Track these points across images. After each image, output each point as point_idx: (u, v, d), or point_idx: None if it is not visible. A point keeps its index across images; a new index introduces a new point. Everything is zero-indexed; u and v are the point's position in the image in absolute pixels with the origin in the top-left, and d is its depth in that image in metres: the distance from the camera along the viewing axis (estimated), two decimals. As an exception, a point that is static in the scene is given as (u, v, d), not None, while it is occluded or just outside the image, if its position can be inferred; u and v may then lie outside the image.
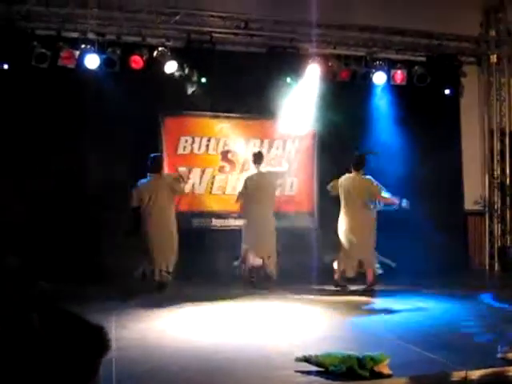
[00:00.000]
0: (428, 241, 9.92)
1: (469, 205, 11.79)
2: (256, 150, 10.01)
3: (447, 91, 11.21)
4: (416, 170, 10.72)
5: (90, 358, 1.24)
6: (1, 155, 9.25)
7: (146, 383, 4.61)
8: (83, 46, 9.46)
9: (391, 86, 10.98)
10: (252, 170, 9.61)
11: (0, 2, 9.08)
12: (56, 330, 1.20)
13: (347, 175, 9.30)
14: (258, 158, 9.46)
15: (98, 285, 9.02)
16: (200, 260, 9.59)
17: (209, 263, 9.40)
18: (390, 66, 10.90)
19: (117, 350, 5.23)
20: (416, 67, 10.99)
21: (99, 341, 1.26)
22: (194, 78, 9.98)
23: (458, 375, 4.69)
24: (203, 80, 10.01)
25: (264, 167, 9.58)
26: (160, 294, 8.57)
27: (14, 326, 1.18)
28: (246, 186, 9.34)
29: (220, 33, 10.18)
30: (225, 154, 10.60)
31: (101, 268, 9.71)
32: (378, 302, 8.17)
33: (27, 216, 9.21)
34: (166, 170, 10.06)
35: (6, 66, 9.17)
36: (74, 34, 9.56)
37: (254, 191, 9.21)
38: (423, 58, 11.24)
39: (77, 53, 9.46)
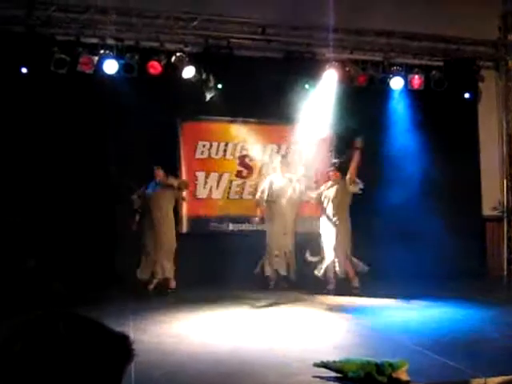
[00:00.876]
0: (445, 247, 9.85)
1: (487, 210, 11.71)
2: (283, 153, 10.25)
3: (467, 95, 11.15)
4: (433, 175, 10.66)
5: (115, 366, 1.24)
6: (20, 159, 9.34)
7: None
8: (102, 51, 9.54)
9: (408, 90, 10.93)
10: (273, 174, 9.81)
11: (20, 8, 9.18)
12: (80, 337, 1.20)
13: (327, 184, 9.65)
14: (284, 161, 9.66)
15: (115, 287, 9.08)
16: (217, 264, 9.61)
17: (226, 267, 9.40)
18: (407, 70, 10.86)
19: (135, 353, 5.26)
20: (433, 72, 10.94)
21: (123, 349, 1.26)
22: (212, 84, 10.01)
23: (477, 382, 4.65)
24: (220, 85, 10.04)
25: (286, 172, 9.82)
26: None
27: (38, 330, 1.19)
28: (267, 190, 9.53)
29: (237, 38, 10.22)
30: (242, 159, 10.64)
31: (117, 270, 9.80)
32: (397, 308, 8.12)
33: (46, 218, 9.30)
34: (183, 174, 10.12)
35: (24, 70, 9.25)
36: (93, 40, 9.64)
37: (278, 195, 9.44)
38: (441, 63, 11.18)
39: (95, 58, 9.53)
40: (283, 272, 9.58)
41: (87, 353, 1.19)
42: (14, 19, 9.18)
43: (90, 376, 1.18)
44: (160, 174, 9.29)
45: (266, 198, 9.62)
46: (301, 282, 9.54)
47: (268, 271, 9.54)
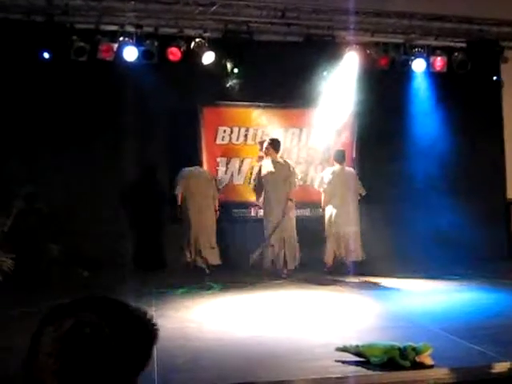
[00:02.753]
0: (470, 230, 9.75)
1: (511, 194, 11.55)
2: (271, 137, 9.82)
3: (494, 78, 10.98)
4: (456, 158, 10.57)
5: (143, 345, 1.27)
6: (42, 147, 9.41)
7: (187, 373, 4.63)
8: (121, 38, 9.55)
9: (431, 73, 10.80)
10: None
11: (40, -3, 9.21)
12: (110, 319, 1.23)
13: (332, 169, 9.65)
14: (277, 145, 9.46)
15: (137, 274, 9.15)
16: (240, 250, 9.64)
17: (248, 253, 9.42)
18: (429, 52, 10.72)
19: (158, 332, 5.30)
20: (456, 53, 10.78)
21: (150, 329, 1.29)
22: (232, 69, 9.98)
23: (502, 366, 4.60)
24: (240, 70, 10.00)
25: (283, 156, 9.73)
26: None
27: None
28: (261, 176, 9.40)
29: (257, 22, 10.14)
30: (263, 144, 10.57)
31: (142, 257, 9.88)
32: (421, 292, 8.06)
33: (67, 205, 9.38)
34: (204, 160, 10.12)
35: (47, 55, 9.28)
36: (113, 27, 9.65)
37: (272, 180, 9.28)
38: (463, 44, 11.01)
39: (115, 46, 9.55)
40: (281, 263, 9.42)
41: (122, 335, 1.23)
42: (33, 9, 9.20)
43: (125, 358, 1.23)
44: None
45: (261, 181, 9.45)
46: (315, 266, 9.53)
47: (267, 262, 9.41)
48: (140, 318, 1.29)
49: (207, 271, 9.24)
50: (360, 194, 9.62)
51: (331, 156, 10.03)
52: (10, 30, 9.10)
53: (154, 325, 1.31)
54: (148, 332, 1.28)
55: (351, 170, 9.90)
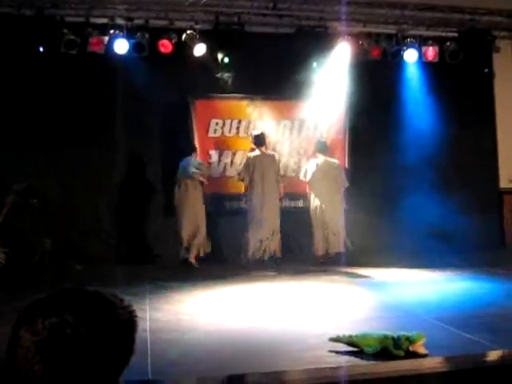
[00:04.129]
0: (462, 220, 9.77)
1: (504, 183, 11.57)
2: (258, 131, 9.89)
3: (486, 70, 11.00)
4: (449, 147, 10.57)
5: (123, 336, 1.25)
6: (34, 142, 9.37)
7: (182, 366, 4.63)
8: (112, 31, 9.50)
9: (423, 63, 10.78)
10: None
11: (29, -10, 9.14)
12: (85, 316, 1.21)
13: (316, 160, 9.67)
14: (261, 139, 9.49)
15: (130, 267, 9.15)
16: (231, 242, 9.64)
17: (240, 245, 9.42)
18: (421, 42, 10.69)
19: (151, 331, 5.30)
20: (448, 43, 10.77)
21: (131, 318, 1.27)
22: (223, 60, 9.95)
23: (495, 355, 4.62)
24: (231, 62, 9.96)
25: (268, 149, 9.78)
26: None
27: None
28: (249, 167, 9.43)
29: (248, 14, 10.09)
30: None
31: (135, 250, 9.87)
32: (414, 282, 8.08)
33: (60, 198, 9.37)
34: (197, 152, 10.10)
35: (41, 49, 9.26)
36: (103, 20, 9.59)
37: (259, 173, 9.34)
38: (455, 34, 10.99)
39: (106, 38, 9.49)
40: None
41: (100, 331, 1.21)
42: (23, 2, 9.14)
43: (107, 353, 1.21)
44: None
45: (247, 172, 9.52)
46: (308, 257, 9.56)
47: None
48: (117, 309, 1.26)
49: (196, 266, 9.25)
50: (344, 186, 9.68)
51: (314, 147, 10.02)
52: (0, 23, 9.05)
53: (131, 312, 1.28)
54: (126, 322, 1.26)
55: (335, 161, 9.88)
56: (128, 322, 1.26)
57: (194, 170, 9.41)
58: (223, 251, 9.77)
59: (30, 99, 9.31)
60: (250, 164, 9.47)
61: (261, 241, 9.28)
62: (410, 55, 10.56)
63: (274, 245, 9.36)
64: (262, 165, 9.41)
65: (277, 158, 9.69)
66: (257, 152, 9.55)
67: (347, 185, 9.66)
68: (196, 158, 9.75)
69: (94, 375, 1.19)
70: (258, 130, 10.02)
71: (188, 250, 9.29)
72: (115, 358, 1.23)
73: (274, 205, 9.50)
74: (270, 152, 9.73)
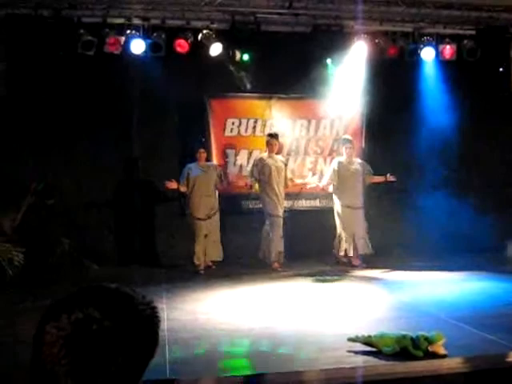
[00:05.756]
0: (481, 220, 9.68)
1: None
2: (272, 132, 9.86)
3: (501, 69, 10.90)
4: (468, 146, 10.50)
5: (147, 330, 1.26)
6: (50, 141, 9.42)
7: (199, 365, 4.63)
8: (128, 31, 9.51)
9: (440, 61, 10.69)
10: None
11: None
12: (109, 310, 1.23)
13: (340, 159, 9.71)
14: (270, 143, 9.49)
15: (147, 267, 9.19)
16: (250, 242, 9.63)
17: (258, 245, 9.42)
18: (438, 40, 10.60)
19: (169, 330, 5.31)
20: (465, 41, 10.67)
21: (147, 312, 1.28)
22: (240, 60, 9.94)
23: (515, 355, 4.58)
24: (248, 61, 9.95)
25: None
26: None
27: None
28: (258, 169, 9.45)
29: (264, 13, 10.06)
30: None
31: (151, 250, 9.90)
32: (433, 282, 8.03)
33: (78, 199, 9.42)
34: (213, 152, 10.11)
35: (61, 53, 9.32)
36: (119, 20, 9.61)
37: (270, 174, 9.34)
38: (473, 32, 10.89)
39: (122, 39, 9.50)
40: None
41: (124, 325, 1.22)
42: (41, 3, 9.19)
43: (131, 347, 1.22)
44: (204, 156, 9.48)
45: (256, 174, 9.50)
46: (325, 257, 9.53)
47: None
48: (139, 304, 1.27)
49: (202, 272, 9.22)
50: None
51: (340, 144, 10.02)
52: (17, 25, 9.10)
53: (153, 308, 1.29)
54: (149, 317, 1.27)
55: (358, 160, 9.86)
56: (151, 317, 1.27)
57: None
58: (240, 251, 9.76)
59: (48, 100, 9.36)
60: (257, 165, 9.49)
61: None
62: (428, 53, 10.46)
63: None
64: (269, 167, 9.39)
65: (284, 162, 9.69)
66: (265, 154, 9.55)
67: (372, 176, 9.63)
68: (199, 163, 9.58)
69: (119, 370, 1.19)
70: (272, 130, 10.00)
71: (200, 265, 9.22)
72: (139, 353, 1.24)
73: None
74: (278, 156, 9.67)
